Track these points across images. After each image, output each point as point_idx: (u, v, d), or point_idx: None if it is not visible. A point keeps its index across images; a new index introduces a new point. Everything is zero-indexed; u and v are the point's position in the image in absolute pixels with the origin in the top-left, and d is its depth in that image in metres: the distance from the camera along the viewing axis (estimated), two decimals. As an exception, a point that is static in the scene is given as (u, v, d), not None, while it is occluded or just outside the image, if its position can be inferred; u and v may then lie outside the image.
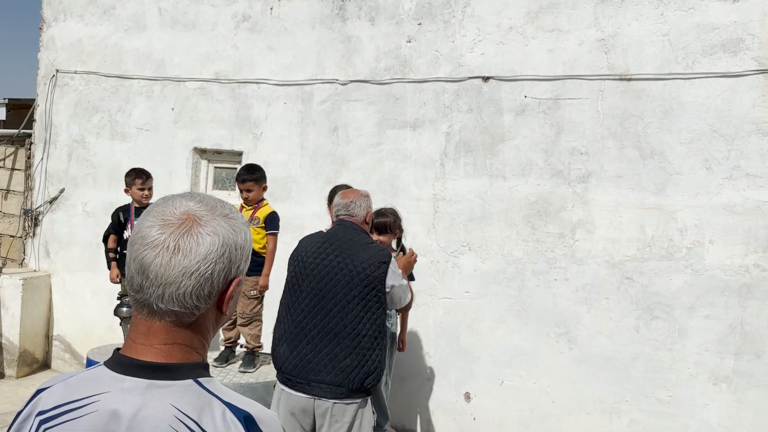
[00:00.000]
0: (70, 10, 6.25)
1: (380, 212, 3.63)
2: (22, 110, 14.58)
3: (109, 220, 5.89)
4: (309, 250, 2.90)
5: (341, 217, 2.97)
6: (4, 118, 13.85)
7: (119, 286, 4.54)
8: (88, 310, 5.99)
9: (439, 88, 4.42)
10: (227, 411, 0.97)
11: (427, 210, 4.44)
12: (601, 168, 3.92)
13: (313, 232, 3.57)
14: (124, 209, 4.32)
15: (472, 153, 4.30)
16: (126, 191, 4.35)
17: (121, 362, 0.99)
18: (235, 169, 5.51)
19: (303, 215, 4.92)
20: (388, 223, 3.58)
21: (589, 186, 3.95)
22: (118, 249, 4.32)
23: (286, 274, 3.02)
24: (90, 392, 0.99)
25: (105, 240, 4.38)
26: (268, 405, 3.76)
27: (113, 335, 5.81)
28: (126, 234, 4.27)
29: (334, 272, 2.77)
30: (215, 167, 5.60)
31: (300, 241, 3.05)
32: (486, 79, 4.25)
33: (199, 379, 1.00)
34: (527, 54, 4.14)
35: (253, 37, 5.22)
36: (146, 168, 5.69)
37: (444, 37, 4.41)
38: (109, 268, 4.28)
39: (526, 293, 4.10)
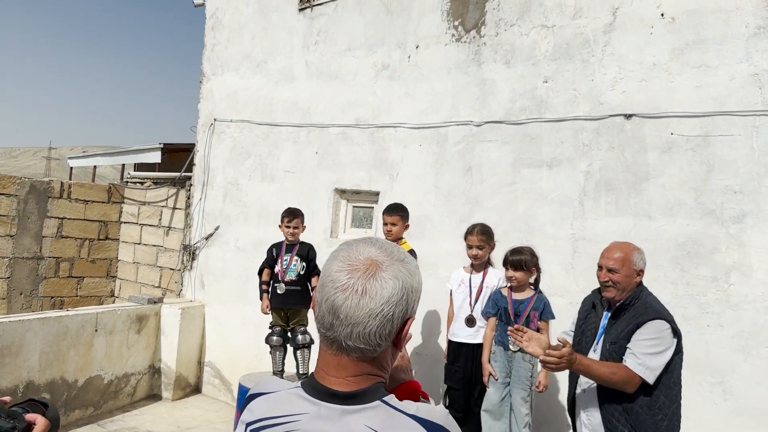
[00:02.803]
0: (227, 65, 6.95)
1: (517, 250, 3.65)
2: (173, 153, 16.18)
3: (258, 256, 6.42)
4: None
5: None
6: (159, 161, 15.40)
7: (269, 316, 4.88)
8: (236, 339, 6.44)
9: (577, 127, 4.40)
10: (415, 424, 1.06)
11: (566, 250, 4.38)
12: (758, 208, 3.67)
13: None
14: (278, 245, 4.66)
15: (614, 192, 4.20)
16: (279, 227, 4.70)
17: (316, 388, 1.12)
18: (372, 208, 5.79)
19: (437, 253, 5.03)
20: (524, 260, 3.59)
21: (745, 227, 3.71)
22: (270, 282, 4.63)
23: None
24: (289, 411, 1.12)
25: (260, 273, 4.72)
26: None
27: (259, 363, 6.20)
28: (276, 268, 4.59)
29: None
30: (353, 206, 5.89)
31: None
32: (628, 116, 4.17)
33: (385, 399, 1.10)
34: (672, 91, 4.02)
35: (392, 84, 5.50)
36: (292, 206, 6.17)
37: (583, 75, 4.40)
38: (261, 299, 4.61)
39: (675, 339, 3.88)
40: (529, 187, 4.61)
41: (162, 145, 15.09)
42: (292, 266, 4.52)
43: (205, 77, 7.17)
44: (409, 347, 4.94)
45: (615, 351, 2.72)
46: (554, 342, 2.89)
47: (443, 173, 5.11)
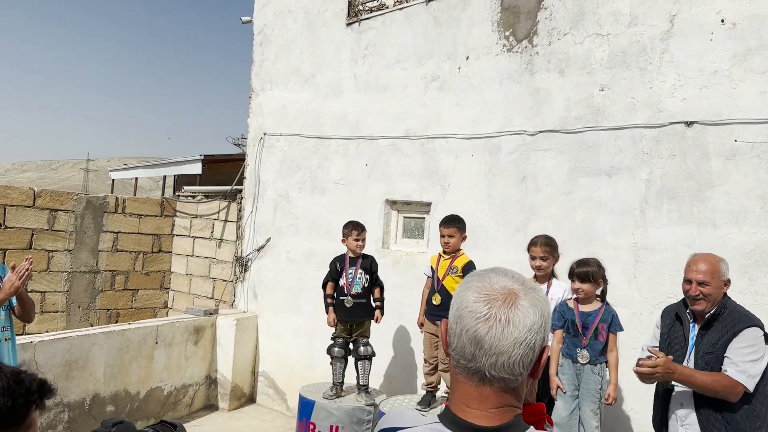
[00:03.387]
0: (275, 81, 7.07)
1: (583, 262, 3.64)
2: (213, 165, 16.45)
3: (309, 267, 6.51)
4: None
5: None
6: (200, 172, 15.68)
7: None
8: (290, 350, 6.53)
9: (636, 135, 4.36)
10: None
11: (627, 259, 4.34)
12: (832, 214, 3.60)
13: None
14: (341, 259, 4.72)
15: (677, 200, 4.15)
16: (343, 241, 4.76)
17: (458, 423, 1.11)
18: (423, 218, 5.82)
19: (491, 262, 5.01)
20: (591, 272, 3.57)
21: (817, 234, 3.63)
22: (335, 295, 4.68)
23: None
24: None
25: (324, 286, 4.78)
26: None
27: (312, 373, 6.27)
28: (341, 282, 4.65)
29: None
30: (404, 217, 5.93)
31: None
32: (689, 123, 4.12)
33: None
34: (735, 97, 3.96)
35: (441, 95, 5.54)
36: (343, 217, 6.23)
37: (640, 83, 4.36)
38: (327, 312, 4.67)
39: (745, 349, 3.81)
40: (587, 196, 4.58)
41: (203, 157, 15.38)
42: (357, 279, 4.58)
43: (254, 92, 7.31)
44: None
45: (711, 361, 2.77)
46: (644, 354, 2.96)
47: (496, 183, 5.11)
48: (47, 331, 6.14)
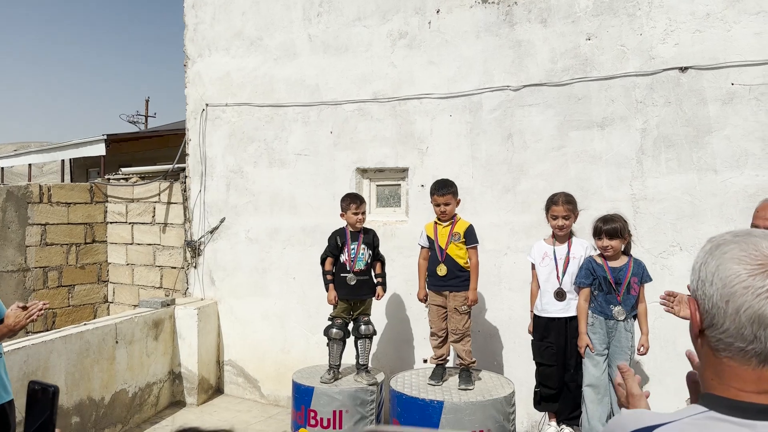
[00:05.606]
0: (214, 45, 6.46)
1: (609, 218, 3.53)
2: (118, 144, 15.28)
3: (274, 245, 6.09)
4: None
5: None
6: (104, 153, 14.56)
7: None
8: (259, 334, 6.13)
9: (628, 84, 4.27)
10: None
11: (626, 211, 4.26)
12: (832, 151, 3.67)
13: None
14: (341, 233, 4.36)
15: (675, 148, 4.12)
16: (341, 215, 4.40)
17: (738, 407, 0.98)
18: (399, 185, 5.54)
19: (480, 225, 4.82)
20: (619, 228, 3.48)
21: (819, 172, 3.70)
22: (333, 272, 4.34)
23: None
24: None
25: (323, 262, 4.41)
26: (498, 422, 3.71)
27: (287, 356, 5.94)
28: (342, 258, 4.30)
29: None
30: (378, 185, 5.62)
31: None
32: (684, 69, 4.07)
33: None
34: (730, 40, 3.94)
35: (411, 53, 5.23)
36: (308, 191, 5.84)
37: (630, 30, 4.26)
38: (327, 289, 4.32)
39: (752, 290, 3.87)
40: (580, 150, 4.47)
41: (105, 137, 14.23)
42: (360, 255, 4.25)
43: (190, 60, 6.66)
44: (463, 325, 4.76)
45: None
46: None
47: (480, 143, 4.91)
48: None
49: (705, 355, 1.06)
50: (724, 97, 3.96)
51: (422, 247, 4.31)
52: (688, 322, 1.14)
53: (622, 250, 3.59)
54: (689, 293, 1.11)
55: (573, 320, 3.68)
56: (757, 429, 0.95)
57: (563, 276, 3.72)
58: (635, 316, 3.58)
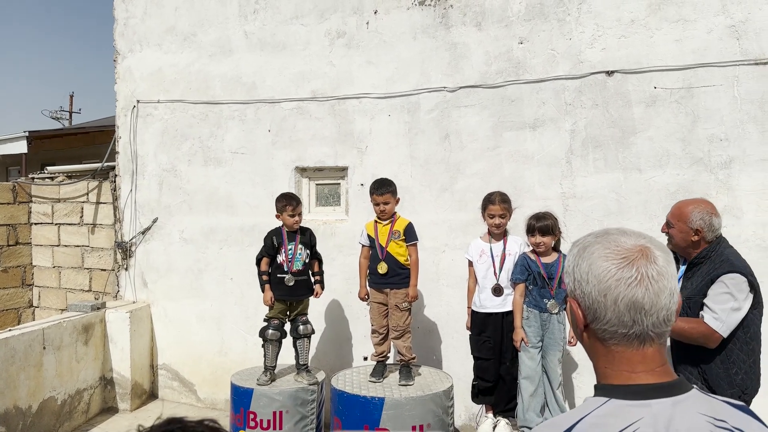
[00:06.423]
0: (146, 40, 6.28)
1: (541, 216, 3.66)
2: (41, 141, 14.56)
3: (210, 246, 5.97)
4: None
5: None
6: (25, 150, 13.84)
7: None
8: (194, 337, 6.00)
9: (558, 87, 4.44)
10: (732, 408, 1.07)
11: (556, 209, 4.43)
12: (744, 153, 3.93)
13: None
14: (277, 233, 4.32)
15: (602, 148, 4.31)
16: (277, 217, 4.36)
17: (634, 391, 1.06)
18: (338, 184, 5.55)
19: (420, 224, 4.89)
20: (550, 225, 3.61)
21: (732, 172, 3.96)
22: (269, 272, 4.30)
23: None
24: (622, 425, 1.03)
25: (258, 263, 4.36)
26: (437, 416, 3.78)
27: (224, 359, 5.84)
28: (280, 258, 4.26)
29: None
30: (317, 184, 5.60)
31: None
32: (610, 73, 4.26)
33: (694, 387, 1.10)
34: (652, 45, 4.15)
35: (350, 52, 5.24)
36: (246, 189, 5.76)
37: (560, 35, 4.43)
38: (263, 290, 4.28)
39: (674, 283, 4.10)
40: (513, 150, 4.61)
41: (27, 133, 13.52)
42: (297, 255, 4.23)
43: (120, 55, 6.44)
44: (403, 322, 4.82)
45: (690, 307, 2.71)
46: None
47: (418, 142, 4.98)
48: None
49: (594, 347, 1.14)
50: (647, 100, 4.17)
51: (363, 246, 4.34)
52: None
53: (553, 246, 3.73)
54: (567, 295, 1.20)
55: (509, 315, 3.80)
56: (652, 407, 1.03)
57: (500, 272, 3.84)
58: (566, 309, 3.73)
